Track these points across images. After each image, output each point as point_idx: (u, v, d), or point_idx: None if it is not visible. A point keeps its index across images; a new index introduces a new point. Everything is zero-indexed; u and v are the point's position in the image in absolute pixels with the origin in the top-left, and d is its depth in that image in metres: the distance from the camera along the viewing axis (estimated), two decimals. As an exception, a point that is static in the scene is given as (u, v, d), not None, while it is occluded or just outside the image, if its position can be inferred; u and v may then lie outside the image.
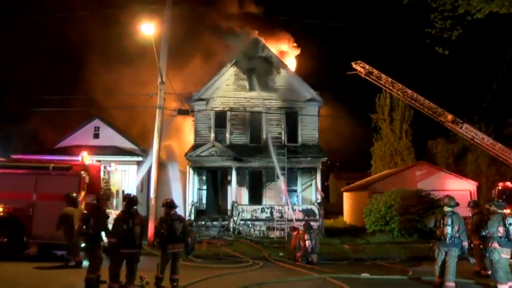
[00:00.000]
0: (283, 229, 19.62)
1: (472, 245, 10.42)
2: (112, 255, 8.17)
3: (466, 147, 35.27)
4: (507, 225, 8.67)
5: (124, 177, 20.55)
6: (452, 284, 8.72)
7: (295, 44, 26.65)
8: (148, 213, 16.53)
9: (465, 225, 9.23)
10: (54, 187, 12.30)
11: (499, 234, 8.70)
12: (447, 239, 8.77)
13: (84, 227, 8.71)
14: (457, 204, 9.11)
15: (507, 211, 9.16)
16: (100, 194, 9.19)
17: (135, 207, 8.35)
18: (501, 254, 8.64)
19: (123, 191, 14.35)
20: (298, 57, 26.68)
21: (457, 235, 8.80)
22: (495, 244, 8.70)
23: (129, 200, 8.37)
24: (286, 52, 26.27)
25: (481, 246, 9.56)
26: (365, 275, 10.42)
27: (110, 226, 8.69)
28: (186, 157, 20.95)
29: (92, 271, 8.50)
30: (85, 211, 8.91)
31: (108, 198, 9.36)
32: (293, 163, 20.98)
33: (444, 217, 8.95)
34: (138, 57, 24.07)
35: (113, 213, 11.93)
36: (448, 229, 8.78)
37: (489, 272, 9.78)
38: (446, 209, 9.05)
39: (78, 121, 25.55)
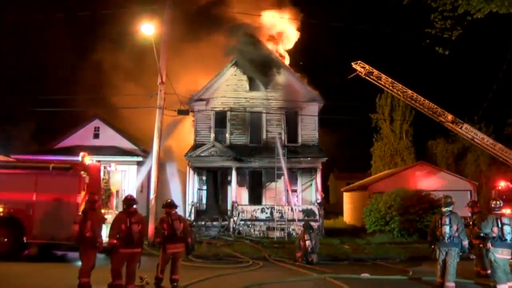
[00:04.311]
0: (283, 229, 19.63)
1: (472, 245, 10.41)
2: (112, 255, 8.20)
3: (466, 147, 35.22)
4: (501, 225, 8.69)
5: (124, 177, 20.63)
6: (452, 284, 8.74)
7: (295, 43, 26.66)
8: (148, 213, 16.53)
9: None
10: (54, 187, 12.33)
11: (493, 235, 8.73)
12: (446, 238, 8.81)
13: (80, 229, 8.33)
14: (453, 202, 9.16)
15: (508, 211, 9.16)
16: (92, 194, 9.02)
17: (134, 206, 8.42)
18: (495, 254, 8.68)
19: (123, 191, 14.37)
20: (298, 56, 26.70)
21: (456, 234, 8.82)
22: (489, 245, 8.77)
23: (124, 200, 8.57)
24: (287, 51, 26.27)
25: (481, 246, 9.58)
26: (365, 275, 10.43)
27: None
28: (186, 157, 20.94)
29: (84, 275, 8.26)
30: (80, 213, 8.83)
31: (102, 197, 9.38)
32: (293, 163, 20.96)
33: (442, 217, 9.00)
34: (138, 57, 24.08)
35: (113, 214, 11.97)
36: (446, 229, 8.81)
37: (489, 272, 9.80)
38: (444, 209, 9.11)
39: (78, 121, 25.57)
